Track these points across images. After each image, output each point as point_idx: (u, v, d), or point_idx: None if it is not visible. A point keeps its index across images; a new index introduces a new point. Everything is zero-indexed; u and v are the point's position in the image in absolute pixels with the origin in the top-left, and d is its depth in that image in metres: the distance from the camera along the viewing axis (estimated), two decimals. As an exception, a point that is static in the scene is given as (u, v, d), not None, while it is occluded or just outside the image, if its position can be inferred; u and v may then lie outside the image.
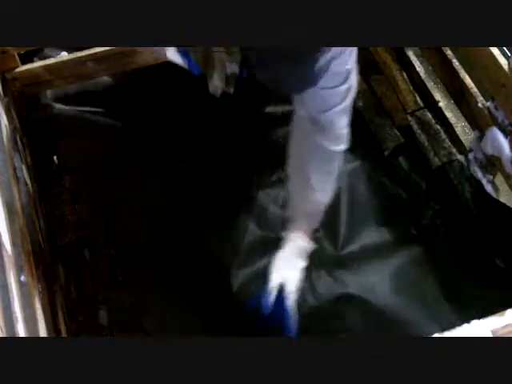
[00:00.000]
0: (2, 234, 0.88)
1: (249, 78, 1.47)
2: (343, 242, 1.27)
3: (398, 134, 1.40)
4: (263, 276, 1.12)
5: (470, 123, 1.32)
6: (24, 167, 1.24)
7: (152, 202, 1.33)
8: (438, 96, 1.40)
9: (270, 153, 1.39)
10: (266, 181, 1.36)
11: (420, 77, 1.44)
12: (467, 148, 1.32)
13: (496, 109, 1.17)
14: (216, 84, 1.08)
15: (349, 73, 0.98)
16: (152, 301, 1.21)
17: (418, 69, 1.45)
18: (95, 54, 1.39)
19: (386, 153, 1.38)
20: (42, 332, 0.95)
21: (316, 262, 1.24)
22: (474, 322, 0.76)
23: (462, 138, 1.34)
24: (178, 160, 1.39)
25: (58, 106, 1.46)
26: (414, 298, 1.20)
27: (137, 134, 1.44)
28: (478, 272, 1.22)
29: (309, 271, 1.23)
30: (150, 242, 1.28)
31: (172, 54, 1.04)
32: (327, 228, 1.28)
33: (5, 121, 1.20)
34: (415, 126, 1.41)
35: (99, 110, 1.46)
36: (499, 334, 0.75)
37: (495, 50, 1.12)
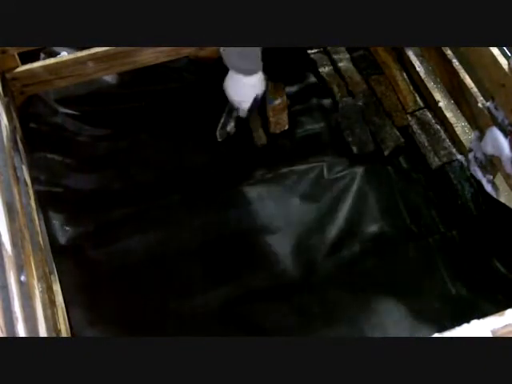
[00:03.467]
0: (1, 233, 0.88)
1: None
2: (342, 241, 1.27)
3: (398, 133, 1.40)
4: None
5: (469, 123, 1.32)
6: (24, 167, 1.24)
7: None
8: (438, 96, 1.40)
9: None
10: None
11: (420, 77, 1.44)
12: (467, 148, 1.32)
13: (496, 109, 1.17)
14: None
15: None
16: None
17: (418, 69, 1.45)
18: (95, 53, 1.39)
19: (386, 153, 1.38)
20: (42, 332, 0.95)
21: (314, 261, 1.24)
22: (474, 322, 0.76)
23: (462, 138, 1.34)
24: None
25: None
26: (413, 298, 1.20)
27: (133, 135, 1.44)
28: (476, 274, 1.22)
29: (307, 270, 1.24)
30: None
31: None
32: (326, 227, 1.29)
33: (5, 121, 1.20)
34: (415, 126, 1.41)
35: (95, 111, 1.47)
36: (499, 334, 0.75)
37: (495, 50, 1.12)
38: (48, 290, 1.09)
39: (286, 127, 1.43)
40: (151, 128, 1.45)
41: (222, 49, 1.27)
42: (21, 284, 0.91)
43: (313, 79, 1.53)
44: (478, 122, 1.26)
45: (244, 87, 1.32)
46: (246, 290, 1.22)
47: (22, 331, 0.82)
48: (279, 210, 1.32)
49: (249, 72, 1.29)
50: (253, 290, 1.22)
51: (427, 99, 1.44)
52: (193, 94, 1.49)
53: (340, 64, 1.54)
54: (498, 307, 0.81)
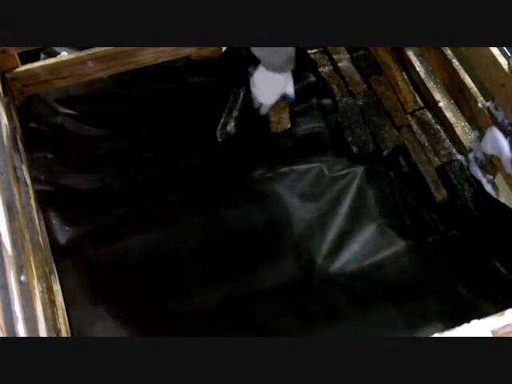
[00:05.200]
0: (1, 233, 0.88)
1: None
2: (342, 241, 1.27)
3: (398, 133, 1.40)
4: None
5: (470, 123, 1.32)
6: (24, 167, 1.24)
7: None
8: (438, 96, 1.40)
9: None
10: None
11: (420, 77, 1.44)
12: (467, 148, 1.32)
13: (496, 109, 1.17)
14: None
15: None
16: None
17: (418, 69, 1.45)
18: (95, 53, 1.39)
19: (386, 153, 1.38)
20: (42, 332, 0.95)
21: (314, 261, 1.24)
22: (474, 322, 0.76)
23: (462, 138, 1.34)
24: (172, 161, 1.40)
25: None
26: (413, 298, 1.20)
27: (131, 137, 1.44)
28: (476, 274, 1.22)
29: (307, 270, 1.24)
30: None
31: None
32: (326, 227, 1.29)
33: (5, 121, 1.20)
34: (415, 126, 1.41)
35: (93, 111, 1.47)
36: (499, 334, 0.75)
37: (495, 50, 1.12)
38: (48, 290, 1.09)
39: (288, 126, 1.43)
40: (151, 128, 1.45)
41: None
42: (21, 284, 0.91)
43: (313, 79, 1.53)
44: (478, 122, 1.26)
45: (271, 84, 1.35)
46: (246, 290, 1.21)
47: (21, 331, 0.82)
48: (279, 210, 1.32)
49: (278, 70, 1.31)
50: (253, 290, 1.22)
51: (427, 99, 1.44)
52: (193, 94, 1.49)
53: (340, 64, 1.54)
54: (497, 307, 0.82)
